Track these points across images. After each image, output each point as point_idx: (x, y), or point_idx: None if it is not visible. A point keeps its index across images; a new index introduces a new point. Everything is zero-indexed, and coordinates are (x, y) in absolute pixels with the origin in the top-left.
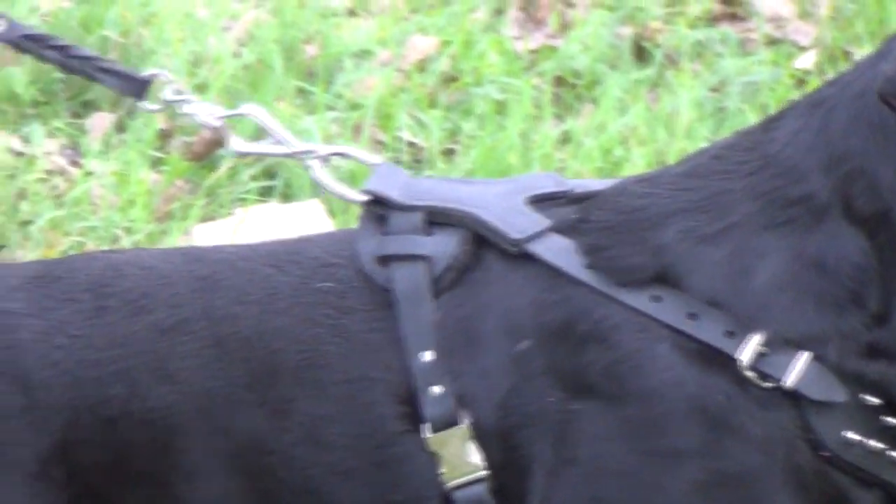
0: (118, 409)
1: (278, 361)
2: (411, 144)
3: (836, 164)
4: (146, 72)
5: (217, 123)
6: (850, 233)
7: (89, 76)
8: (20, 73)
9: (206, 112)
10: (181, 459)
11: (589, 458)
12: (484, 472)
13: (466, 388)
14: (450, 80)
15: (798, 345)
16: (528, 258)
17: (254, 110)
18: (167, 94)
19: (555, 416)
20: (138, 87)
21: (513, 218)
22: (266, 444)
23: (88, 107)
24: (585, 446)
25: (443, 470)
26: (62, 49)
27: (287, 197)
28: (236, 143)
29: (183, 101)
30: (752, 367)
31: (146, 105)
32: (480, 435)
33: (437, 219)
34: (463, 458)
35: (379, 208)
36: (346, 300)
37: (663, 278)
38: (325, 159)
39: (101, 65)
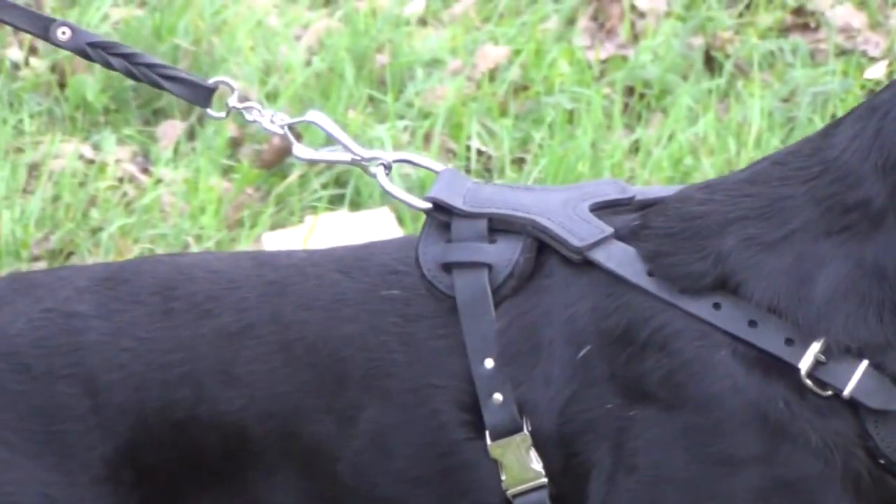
0: (185, 412)
1: (345, 368)
2: (481, 153)
3: (891, 169)
4: (212, 79)
5: (281, 131)
6: None
7: (155, 83)
8: (91, 81)
9: (270, 119)
10: (256, 461)
11: (647, 465)
12: (544, 480)
13: (527, 396)
14: (520, 89)
15: (857, 353)
16: (590, 265)
17: (318, 117)
18: (232, 101)
19: (614, 423)
20: (204, 95)
21: (575, 225)
22: (334, 450)
23: (159, 115)
24: (644, 453)
25: (504, 477)
26: (128, 56)
27: (357, 205)
28: (300, 149)
29: (248, 108)
30: (811, 376)
31: (211, 112)
32: (541, 442)
33: (499, 226)
34: (524, 465)
35: (442, 215)
36: (412, 308)
37: (724, 285)
38: (389, 166)
39: (167, 72)
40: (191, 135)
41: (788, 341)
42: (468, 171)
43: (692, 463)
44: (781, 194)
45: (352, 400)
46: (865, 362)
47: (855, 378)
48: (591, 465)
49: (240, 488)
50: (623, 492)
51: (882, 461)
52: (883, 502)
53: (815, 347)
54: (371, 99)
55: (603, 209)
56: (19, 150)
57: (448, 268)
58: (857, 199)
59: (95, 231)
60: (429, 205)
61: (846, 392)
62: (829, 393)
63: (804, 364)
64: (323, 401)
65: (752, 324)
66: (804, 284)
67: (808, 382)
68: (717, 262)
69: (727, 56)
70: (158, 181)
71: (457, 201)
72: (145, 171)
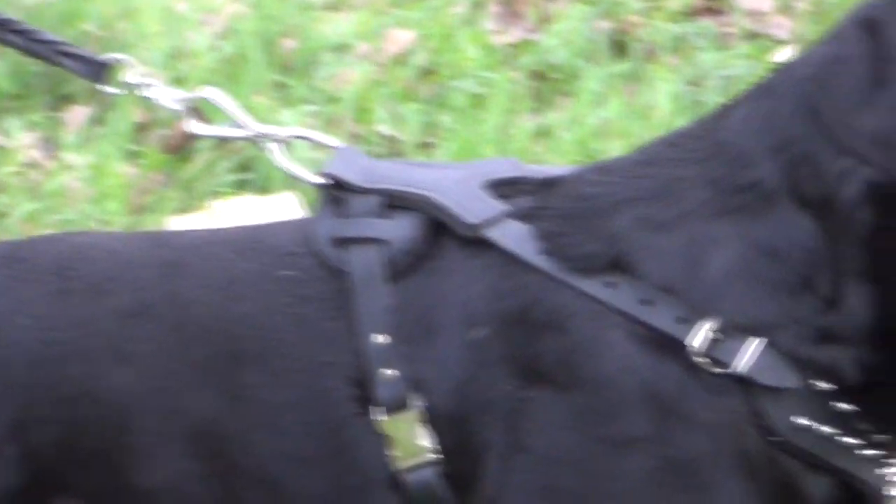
0: (76, 389)
1: (238, 347)
2: (389, 138)
3: (782, 150)
4: (107, 55)
5: (176, 106)
6: (800, 218)
7: (51, 60)
8: None
9: (167, 96)
10: (136, 440)
11: (542, 445)
12: (435, 456)
13: (421, 373)
14: (428, 73)
15: (750, 331)
16: (486, 244)
17: (214, 94)
18: (129, 77)
19: (509, 404)
20: (99, 71)
21: (470, 203)
22: (224, 428)
23: (65, 100)
24: (539, 434)
25: (395, 452)
26: (25, 33)
27: (263, 189)
28: (195, 126)
29: (144, 84)
30: (704, 354)
31: (109, 89)
32: (433, 419)
33: (395, 202)
34: (414, 441)
35: (337, 191)
36: (306, 288)
37: (618, 265)
38: (285, 142)
39: (64, 48)
40: (97, 120)
41: (681, 320)
42: (376, 155)
43: (586, 443)
44: (675, 175)
45: (244, 379)
46: (758, 340)
47: (747, 355)
48: (486, 446)
49: (124, 468)
50: (518, 472)
51: (775, 439)
52: (776, 482)
53: (708, 326)
54: (278, 84)
55: (499, 188)
56: None
57: (342, 243)
58: (749, 180)
59: (1, 216)
60: (324, 180)
61: (739, 369)
62: (722, 371)
63: (697, 342)
64: (214, 380)
65: (646, 302)
66: (697, 264)
67: (701, 360)
68: (612, 242)
69: (635, 40)
70: (65, 167)
71: (353, 177)
72: (51, 156)
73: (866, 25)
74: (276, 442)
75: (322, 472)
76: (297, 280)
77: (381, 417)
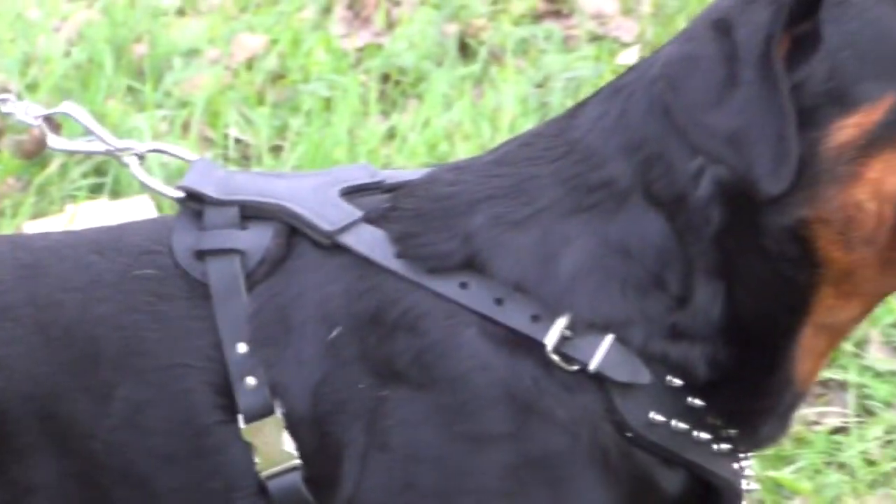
0: None
1: (99, 348)
2: (239, 141)
3: (635, 150)
4: None
5: (35, 122)
6: (651, 217)
7: None
8: None
9: (25, 111)
10: (13, 441)
11: (400, 444)
12: (297, 462)
13: (280, 378)
14: (278, 77)
15: (603, 328)
16: (341, 249)
17: (72, 109)
18: None
19: (366, 403)
20: None
21: (325, 210)
22: (89, 428)
23: None
24: (396, 432)
25: (257, 460)
26: None
27: (117, 194)
28: (55, 140)
29: (3, 100)
30: (558, 351)
31: None
32: (293, 424)
33: (251, 213)
34: (276, 447)
35: (195, 203)
36: (165, 287)
37: (471, 264)
38: (142, 156)
39: None
40: None
41: (534, 318)
42: (226, 159)
43: (443, 441)
44: (528, 174)
45: (106, 378)
46: (611, 337)
47: (600, 352)
48: (345, 445)
49: (5, 465)
50: (376, 471)
51: (629, 434)
52: (631, 476)
53: (561, 323)
54: (130, 89)
55: (353, 193)
56: None
57: (201, 255)
58: (601, 179)
59: None
60: (181, 194)
61: (592, 366)
62: (576, 368)
63: (550, 340)
64: (79, 380)
65: (499, 301)
66: (550, 262)
67: (555, 358)
68: (465, 242)
69: (481, 43)
70: None
71: (209, 189)
72: None
73: (717, 26)
74: (140, 440)
75: (185, 473)
76: (157, 278)
77: (243, 425)
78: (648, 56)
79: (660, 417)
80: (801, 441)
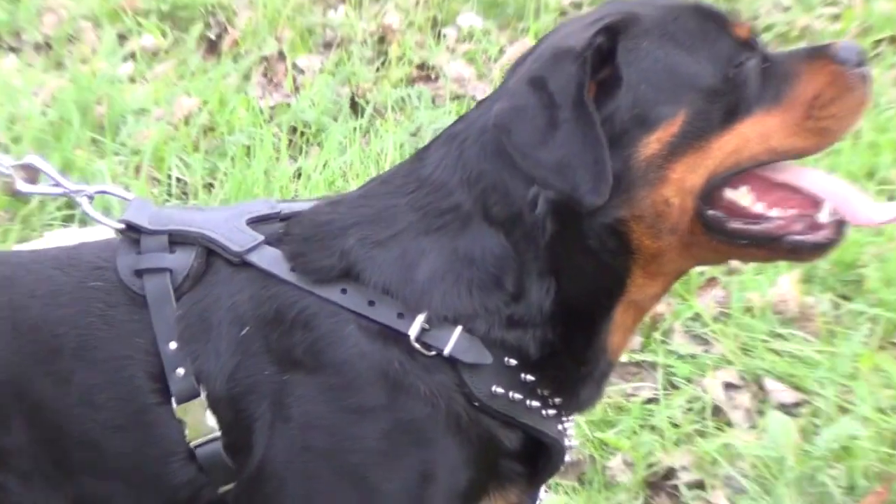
0: None
1: (60, 342)
2: (180, 180)
3: (473, 183)
4: None
5: (7, 171)
6: (491, 233)
7: None
8: None
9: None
10: None
11: (299, 415)
12: (218, 433)
13: (203, 367)
14: (209, 130)
15: (453, 321)
16: (247, 265)
17: (35, 160)
18: None
19: (271, 386)
20: None
21: (235, 235)
22: (53, 404)
23: None
24: (296, 407)
25: (187, 432)
26: None
27: (84, 222)
28: (22, 185)
29: None
30: (419, 340)
31: None
32: (214, 403)
33: (177, 239)
34: (201, 422)
35: (133, 233)
36: (113, 296)
37: (348, 275)
38: (92, 196)
39: None
40: None
41: (399, 315)
42: (170, 194)
43: (332, 413)
44: (388, 205)
45: (66, 366)
46: (460, 328)
47: (452, 340)
48: (256, 419)
49: None
50: (280, 438)
51: (476, 404)
52: (480, 436)
53: (420, 319)
54: (94, 140)
55: (257, 222)
56: None
57: (139, 273)
58: (448, 206)
59: None
60: (122, 225)
61: (446, 351)
62: (433, 353)
63: (412, 332)
64: (44, 367)
65: (371, 303)
66: (409, 270)
67: (417, 346)
68: (340, 258)
69: (367, 102)
70: None
71: (144, 221)
72: None
73: (534, 83)
74: (92, 414)
75: (130, 441)
76: (105, 289)
77: (175, 406)
78: (471, 109)
79: (500, 390)
80: (620, 409)
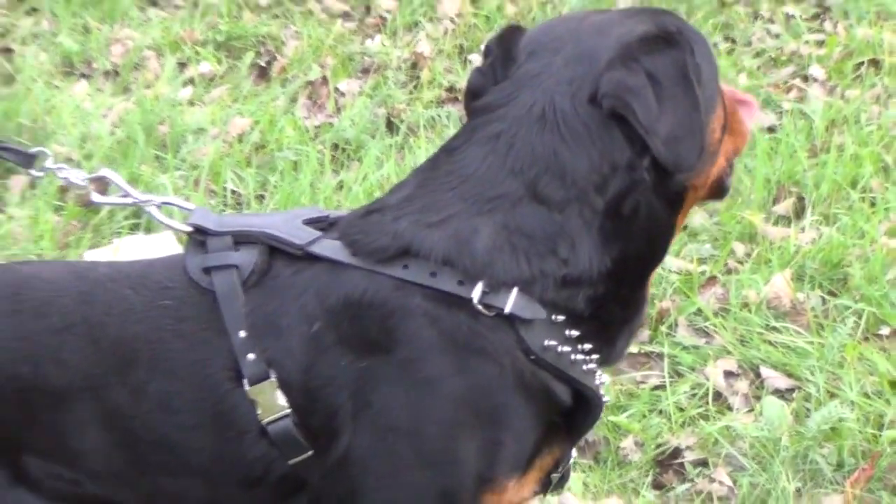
0: (27, 384)
1: (136, 355)
2: (234, 192)
3: (526, 170)
4: (34, 149)
5: (83, 183)
6: (541, 209)
7: None
8: None
9: (75, 176)
10: (71, 418)
11: (379, 400)
12: (288, 410)
13: (273, 356)
14: (260, 147)
15: (511, 285)
16: (310, 258)
17: (108, 173)
18: (48, 164)
19: (350, 375)
20: (28, 160)
21: (294, 232)
22: (129, 411)
23: (9, 171)
24: (376, 392)
25: (259, 412)
26: None
27: (149, 230)
28: (96, 197)
29: (60, 169)
30: (482, 302)
31: (34, 172)
32: (285, 386)
33: (241, 239)
34: (273, 402)
35: (200, 235)
36: (181, 313)
37: (407, 252)
38: (159, 205)
39: (3, 145)
40: (32, 185)
41: (460, 282)
42: (225, 205)
43: (409, 389)
44: (433, 199)
45: (142, 377)
46: (517, 289)
47: (511, 300)
48: (337, 408)
49: (61, 437)
50: (365, 424)
51: (532, 357)
52: (539, 390)
53: (481, 284)
54: (157, 157)
55: (311, 223)
56: None
57: (208, 271)
58: (496, 193)
59: None
60: (190, 228)
61: (507, 309)
62: (494, 313)
63: (475, 295)
64: (120, 378)
65: (433, 274)
66: (465, 244)
67: (479, 307)
68: (395, 238)
69: (402, 121)
70: (10, 217)
71: (210, 224)
72: (1, 211)
73: (629, 66)
74: (169, 418)
75: (207, 434)
76: (174, 307)
77: (247, 388)
78: (494, 113)
79: (551, 342)
80: (631, 395)
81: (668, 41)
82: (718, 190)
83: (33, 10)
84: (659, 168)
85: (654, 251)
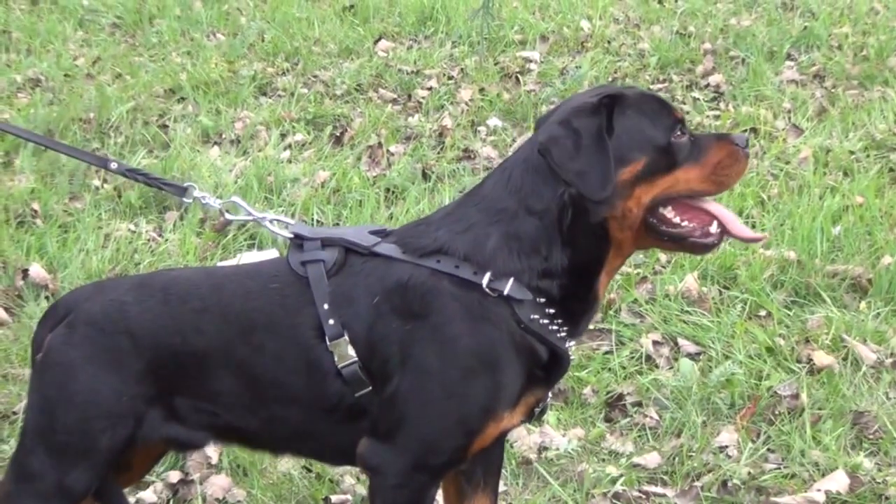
0: (178, 348)
1: (254, 324)
2: (318, 222)
3: (518, 191)
4: (186, 183)
5: (220, 206)
6: (530, 220)
7: (158, 187)
8: (133, 191)
9: (214, 202)
10: (212, 370)
11: (418, 352)
12: (356, 359)
13: (346, 321)
14: (336, 190)
15: (507, 275)
16: (374, 256)
17: (237, 198)
18: (196, 194)
19: (398, 334)
20: (181, 192)
21: (363, 238)
22: (251, 361)
23: (166, 208)
24: (416, 346)
25: (336, 359)
26: (146, 175)
27: (261, 247)
28: (230, 216)
29: (205, 198)
30: (489, 287)
31: (186, 200)
32: (354, 342)
33: (327, 243)
34: (345, 352)
35: (298, 240)
36: (285, 292)
37: (440, 251)
38: (273, 221)
39: (164, 182)
40: (181, 217)
41: (475, 273)
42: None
43: (439, 343)
44: (464, 212)
45: (258, 337)
46: (513, 279)
47: (508, 286)
48: (390, 357)
49: (206, 390)
50: (409, 368)
51: (522, 326)
52: (526, 349)
53: (488, 274)
54: (266, 198)
55: (373, 233)
56: (99, 227)
57: (304, 263)
58: (501, 207)
59: (137, 265)
60: (292, 235)
61: (505, 292)
62: (497, 295)
63: (484, 281)
64: (244, 339)
65: (457, 267)
66: (479, 246)
67: (487, 290)
68: (433, 241)
69: (433, 172)
70: (166, 240)
71: (306, 233)
72: (160, 236)
73: (562, 123)
74: (277, 365)
75: (304, 375)
76: (279, 289)
77: (328, 343)
78: (507, 158)
79: (535, 316)
80: (589, 358)
81: (594, 109)
82: (650, 229)
83: (182, 99)
84: (581, 197)
85: (590, 263)
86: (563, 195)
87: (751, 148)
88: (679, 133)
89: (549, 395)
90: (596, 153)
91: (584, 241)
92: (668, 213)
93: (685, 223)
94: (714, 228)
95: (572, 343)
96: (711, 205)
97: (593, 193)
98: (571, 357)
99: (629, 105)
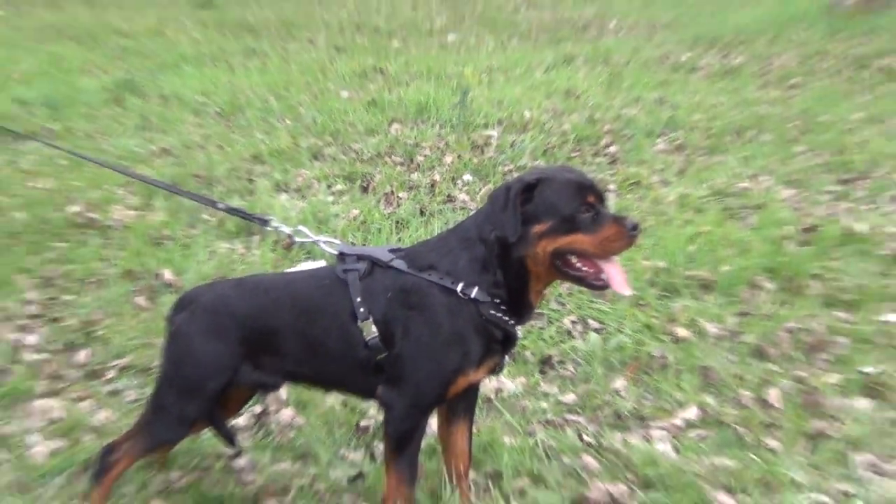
0: (261, 325)
1: (310, 308)
2: (352, 242)
3: (477, 227)
4: (267, 216)
5: (289, 232)
6: (482, 248)
7: (248, 219)
8: (231, 223)
9: (285, 229)
10: (283, 338)
11: (414, 330)
12: (377, 334)
13: (371, 308)
14: (363, 222)
15: (473, 284)
16: (391, 268)
17: (302, 227)
18: (273, 223)
19: (403, 318)
20: (263, 223)
21: (384, 256)
22: (307, 332)
23: (252, 234)
24: (413, 327)
25: (364, 334)
26: (239, 211)
27: (314, 259)
28: (296, 239)
29: (279, 226)
30: (462, 292)
31: (267, 228)
32: (376, 322)
33: (361, 257)
34: (370, 329)
35: (341, 256)
36: (331, 289)
37: (432, 267)
38: (325, 241)
39: (251, 216)
40: (262, 241)
41: (453, 282)
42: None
43: (428, 326)
44: (448, 239)
45: (312, 317)
46: (477, 287)
47: (474, 291)
48: (396, 332)
49: (280, 351)
50: (407, 341)
51: (484, 318)
52: (486, 334)
53: (462, 284)
54: (318, 227)
55: (392, 251)
56: (208, 246)
57: (345, 272)
58: (468, 237)
59: (233, 271)
60: (337, 252)
61: (472, 296)
62: (467, 297)
63: (459, 288)
64: (304, 320)
65: (442, 278)
66: (455, 265)
67: (461, 294)
68: (428, 261)
69: (427, 210)
70: (251, 256)
71: (346, 251)
72: (249, 252)
73: (503, 188)
74: (326, 335)
75: (343, 343)
76: (327, 287)
77: (360, 323)
78: (479, 208)
79: (492, 312)
80: (529, 332)
81: (526, 185)
82: (556, 270)
83: (262, 162)
84: (502, 237)
85: (519, 284)
86: (492, 233)
87: (637, 196)
88: (584, 210)
89: (506, 358)
90: (513, 211)
91: (511, 269)
92: (574, 260)
93: (584, 269)
94: (603, 276)
95: (519, 328)
96: (606, 261)
97: (506, 234)
98: (519, 336)
99: (551, 185)
